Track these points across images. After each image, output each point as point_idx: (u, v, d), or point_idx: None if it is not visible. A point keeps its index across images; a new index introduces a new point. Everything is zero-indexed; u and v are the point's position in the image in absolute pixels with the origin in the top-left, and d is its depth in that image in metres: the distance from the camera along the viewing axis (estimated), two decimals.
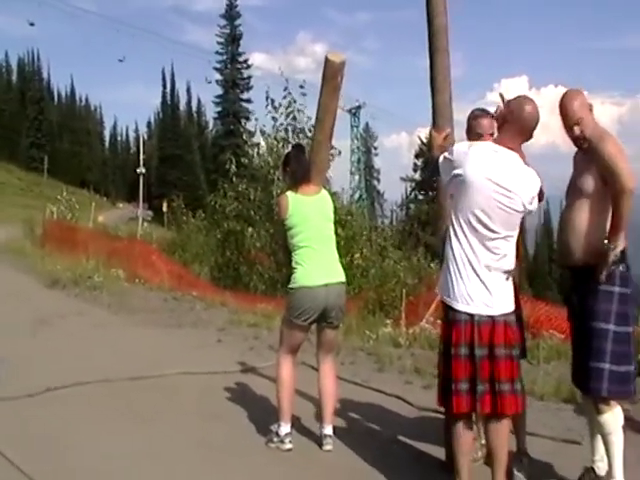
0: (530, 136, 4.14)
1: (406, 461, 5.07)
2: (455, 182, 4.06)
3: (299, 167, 5.32)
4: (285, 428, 5.31)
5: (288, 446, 5.29)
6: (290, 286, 5.25)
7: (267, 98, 21.65)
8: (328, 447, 5.26)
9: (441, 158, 4.28)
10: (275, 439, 5.35)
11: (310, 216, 5.19)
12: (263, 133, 21.92)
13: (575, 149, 4.38)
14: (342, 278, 5.34)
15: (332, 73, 5.76)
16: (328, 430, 5.32)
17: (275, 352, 8.58)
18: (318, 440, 5.40)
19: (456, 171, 4.03)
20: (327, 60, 5.67)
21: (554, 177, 4.64)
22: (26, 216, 32.26)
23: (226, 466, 5.04)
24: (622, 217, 3.97)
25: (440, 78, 4.96)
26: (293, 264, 5.24)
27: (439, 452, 5.03)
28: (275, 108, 21.24)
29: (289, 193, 5.24)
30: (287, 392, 5.34)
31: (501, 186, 3.89)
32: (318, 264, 5.18)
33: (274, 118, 21.37)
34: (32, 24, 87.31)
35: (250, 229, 20.47)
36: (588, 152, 4.14)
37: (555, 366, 7.51)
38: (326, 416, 5.37)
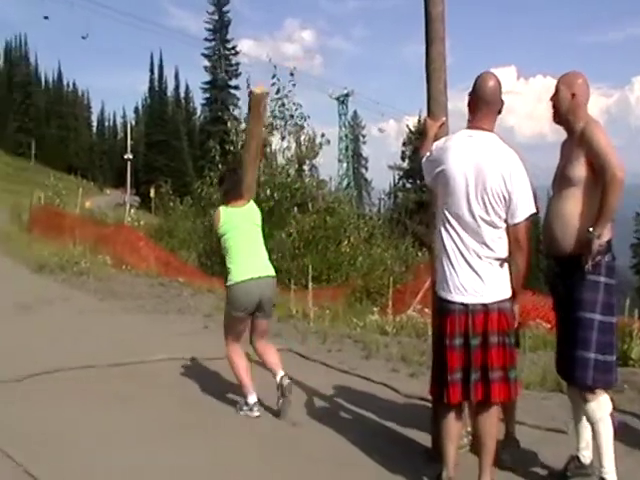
0: (499, 111, 4.18)
1: (392, 448, 5.07)
2: (439, 178, 4.10)
3: (231, 186, 6.10)
4: (252, 398, 5.88)
5: (256, 414, 5.84)
6: (227, 284, 5.92)
7: (248, 86, 21.61)
8: (288, 393, 5.79)
9: (424, 159, 4.34)
10: (245, 407, 5.91)
11: (239, 224, 5.95)
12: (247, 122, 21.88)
13: (562, 138, 4.38)
14: (271, 272, 6.07)
15: (255, 103, 6.79)
16: (281, 373, 5.84)
17: None
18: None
19: (438, 168, 4.09)
20: (251, 92, 6.77)
21: (541, 167, 4.64)
22: (13, 201, 32.08)
23: (205, 448, 5.05)
24: (610, 207, 3.96)
25: (436, 66, 4.92)
26: (227, 265, 5.94)
27: (425, 439, 5.04)
28: None
29: (221, 207, 6.04)
30: (243, 370, 5.97)
31: (480, 170, 3.92)
32: (247, 262, 5.89)
33: None
34: (46, 17, 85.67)
35: None
36: (579, 140, 4.14)
37: (541, 355, 7.55)
38: (277, 368, 5.92)
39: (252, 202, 6.26)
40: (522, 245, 4.02)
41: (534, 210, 4.02)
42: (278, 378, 5.82)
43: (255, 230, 6.09)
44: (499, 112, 4.21)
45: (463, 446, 4.71)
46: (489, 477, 4.08)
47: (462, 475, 4.15)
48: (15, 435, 5.08)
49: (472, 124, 4.14)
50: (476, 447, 4.26)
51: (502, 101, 4.19)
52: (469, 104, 4.21)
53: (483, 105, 4.10)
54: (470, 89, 4.22)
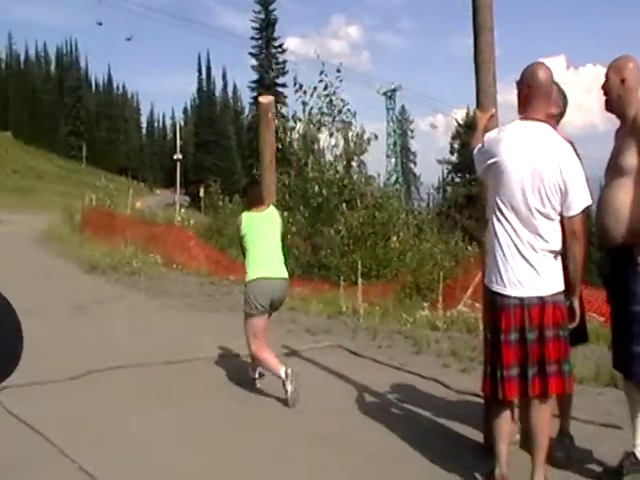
0: (554, 104, 4.13)
1: (443, 444, 5.03)
2: (492, 169, 4.04)
3: (254, 196, 6.65)
4: (285, 368, 6.10)
5: (258, 385, 6.50)
6: (245, 282, 6.39)
7: (295, 83, 21.64)
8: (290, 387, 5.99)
9: (475, 151, 4.30)
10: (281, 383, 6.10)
11: (259, 227, 6.43)
12: (295, 120, 21.91)
13: (615, 127, 4.29)
14: (285, 275, 6.49)
15: (263, 112, 7.35)
16: (283, 372, 6.05)
17: (312, 335, 8.68)
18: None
19: (491, 160, 4.03)
20: (258, 102, 7.40)
21: (594, 158, 4.55)
22: (65, 203, 32.58)
23: (258, 445, 5.08)
24: None
25: (484, 57, 4.85)
26: (247, 264, 6.41)
27: (477, 435, 5.00)
28: (305, 92, 21.19)
29: (244, 213, 6.57)
30: (274, 363, 6.21)
31: (536, 161, 3.86)
32: (264, 262, 6.34)
33: (304, 102, 21.33)
34: (100, 24, 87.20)
35: (285, 214, 20.48)
36: (631, 128, 4.05)
37: (594, 349, 7.41)
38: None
39: (272, 207, 6.76)
40: (579, 237, 3.94)
41: (590, 202, 3.95)
42: (282, 374, 6.06)
43: (273, 233, 6.51)
44: (556, 109, 4.14)
45: (514, 443, 4.65)
46: (542, 473, 4.02)
47: (515, 472, 4.10)
48: (70, 433, 5.16)
49: (525, 115, 4.07)
50: (528, 443, 4.19)
51: (553, 90, 4.14)
52: (519, 95, 4.15)
53: (536, 95, 4.03)
54: (519, 79, 4.16)
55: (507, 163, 3.92)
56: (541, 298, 3.89)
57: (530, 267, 3.90)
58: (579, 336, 4.57)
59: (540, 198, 3.87)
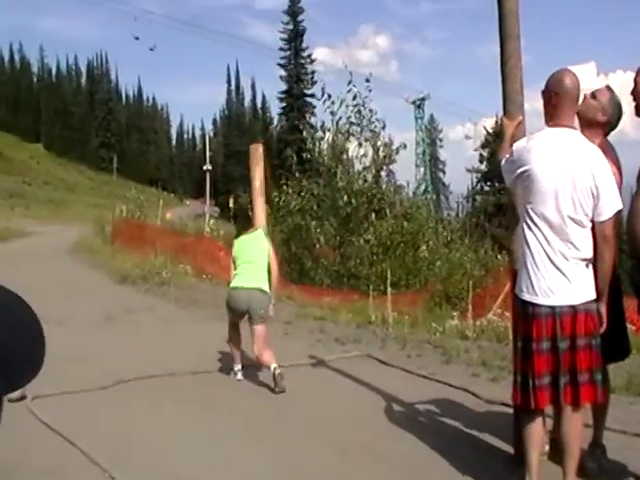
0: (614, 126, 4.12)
1: (472, 454, 5.00)
2: (522, 178, 4.02)
3: (242, 224, 8.49)
4: (237, 366, 7.44)
5: (239, 377, 7.38)
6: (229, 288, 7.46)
7: (323, 94, 21.66)
8: (281, 382, 6.79)
9: (503, 161, 4.29)
10: (232, 374, 7.41)
11: (245, 247, 7.51)
12: (324, 130, 21.95)
13: None
14: (261, 286, 7.30)
15: (252, 154, 8.39)
16: (274, 365, 6.89)
17: (341, 345, 8.68)
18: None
19: (521, 169, 4.01)
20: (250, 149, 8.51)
21: (624, 165, 4.51)
22: (97, 215, 32.92)
23: (288, 454, 5.08)
24: None
25: (511, 64, 4.84)
26: (232, 276, 7.43)
27: (507, 446, 4.96)
28: (333, 103, 21.21)
29: (235, 240, 7.77)
30: (234, 341, 7.54)
31: (568, 167, 3.85)
32: (243, 275, 7.32)
33: (332, 112, 21.35)
34: (137, 38, 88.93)
35: (314, 223, 20.49)
36: None
37: (627, 359, 7.33)
38: (270, 362, 6.94)
39: (261, 230, 7.72)
40: (610, 242, 3.91)
41: (621, 206, 3.93)
42: (272, 369, 6.86)
43: (258, 253, 7.45)
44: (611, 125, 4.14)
45: (544, 453, 4.61)
46: None
47: None
48: (100, 442, 5.19)
49: (554, 122, 4.06)
50: (559, 454, 4.15)
51: (579, 96, 4.12)
52: (546, 103, 4.14)
53: (563, 102, 4.02)
54: (545, 88, 4.15)
55: (538, 171, 3.90)
56: (573, 307, 3.87)
57: (562, 275, 3.88)
58: (622, 350, 4.55)
59: (573, 204, 3.85)
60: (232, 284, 7.37)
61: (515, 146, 4.20)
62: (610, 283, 4.03)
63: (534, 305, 3.94)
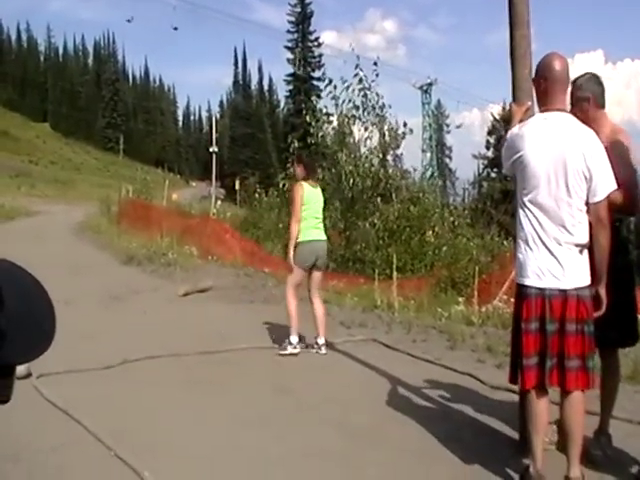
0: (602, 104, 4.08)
1: (477, 440, 5.00)
2: (516, 164, 4.05)
3: (311, 167, 7.96)
4: (294, 338, 7.54)
5: (297, 350, 7.51)
6: (298, 241, 7.55)
7: (323, 79, 21.63)
8: (323, 350, 7.60)
9: (502, 150, 4.30)
10: (289, 346, 7.51)
11: (313, 199, 7.71)
12: (327, 114, 21.88)
13: None
14: (325, 237, 7.90)
15: None
16: (321, 340, 7.63)
17: (346, 328, 8.67)
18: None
19: (515, 155, 4.04)
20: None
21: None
22: (103, 195, 32.94)
23: (293, 437, 5.08)
24: None
25: (520, 52, 4.83)
26: (299, 228, 7.56)
27: (511, 432, 4.96)
28: (335, 87, 21.13)
29: (304, 183, 7.68)
30: (294, 309, 7.68)
31: (559, 150, 3.86)
32: (313, 228, 7.66)
33: (335, 97, 21.26)
34: (129, 20, 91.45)
35: None
36: None
37: (631, 348, 7.30)
38: (321, 331, 7.68)
39: (319, 187, 8.00)
40: (605, 223, 3.90)
41: (615, 186, 3.91)
42: (318, 340, 7.61)
43: (320, 208, 7.83)
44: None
45: (552, 443, 4.60)
46: (578, 469, 3.97)
47: (550, 468, 4.05)
48: (106, 421, 5.19)
49: (545, 107, 4.09)
50: (564, 439, 4.15)
51: (569, 79, 4.13)
52: (537, 87, 4.18)
53: (554, 86, 4.04)
54: (535, 74, 4.19)
55: (530, 157, 3.93)
56: (564, 291, 3.88)
57: (553, 259, 3.89)
58: (631, 336, 4.55)
59: (566, 188, 3.86)
60: (308, 237, 7.57)
61: (509, 133, 4.25)
62: (621, 270, 4.01)
63: (525, 287, 3.99)
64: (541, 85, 4.09)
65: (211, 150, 72.57)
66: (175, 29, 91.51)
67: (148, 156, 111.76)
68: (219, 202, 44.70)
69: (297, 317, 7.62)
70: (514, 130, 4.19)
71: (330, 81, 21.33)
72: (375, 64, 21.79)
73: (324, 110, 22.40)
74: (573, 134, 3.91)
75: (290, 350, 7.46)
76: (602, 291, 4.00)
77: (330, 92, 21.38)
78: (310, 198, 7.63)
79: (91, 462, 4.60)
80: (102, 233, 22.14)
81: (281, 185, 23.56)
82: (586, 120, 4.15)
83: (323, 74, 21.69)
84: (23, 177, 65.62)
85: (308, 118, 22.77)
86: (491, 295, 11.41)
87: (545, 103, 4.08)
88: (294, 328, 7.56)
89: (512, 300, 9.47)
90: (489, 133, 63.34)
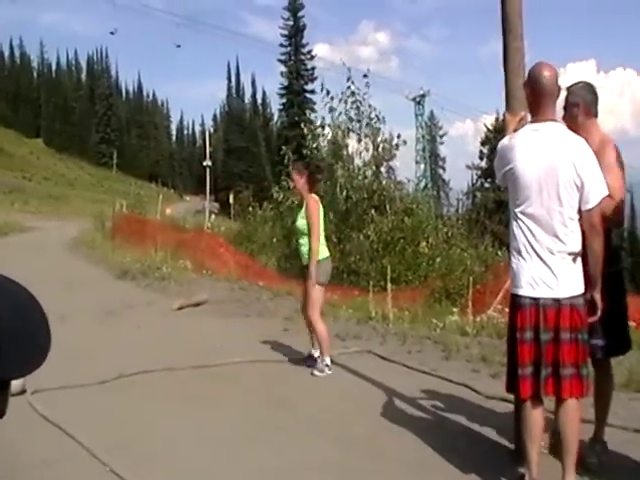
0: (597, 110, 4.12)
1: (473, 450, 5.00)
2: (508, 176, 4.08)
3: (321, 177, 8.03)
4: (329, 359, 7.29)
5: (330, 372, 7.22)
6: (320, 259, 7.24)
7: (322, 89, 21.67)
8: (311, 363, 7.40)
9: (494, 161, 4.32)
10: (325, 368, 7.21)
11: (322, 213, 7.43)
12: (323, 126, 21.93)
13: None
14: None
15: None
16: (317, 353, 7.45)
17: (341, 340, 8.66)
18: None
19: (506, 167, 4.07)
20: None
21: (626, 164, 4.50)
22: (97, 210, 32.90)
23: (288, 449, 5.07)
24: None
25: (514, 63, 4.88)
26: (319, 244, 7.26)
27: (507, 441, 4.97)
28: (332, 99, 21.19)
29: (317, 198, 7.47)
30: (327, 333, 7.39)
31: (550, 160, 3.88)
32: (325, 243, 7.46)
33: (331, 108, 21.33)
34: (112, 33, 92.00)
35: None
36: None
37: (626, 355, 7.32)
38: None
39: None
40: (598, 230, 3.93)
41: (607, 192, 3.94)
42: (313, 352, 7.51)
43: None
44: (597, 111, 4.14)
45: (545, 447, 4.61)
46: (574, 477, 3.99)
47: (545, 476, 4.06)
48: (100, 436, 5.19)
49: (535, 118, 4.12)
50: (559, 447, 4.16)
51: (560, 88, 4.15)
52: (528, 97, 4.20)
53: (544, 96, 4.06)
54: (524, 85, 4.23)
55: (521, 168, 3.96)
56: (557, 300, 3.91)
57: (547, 268, 3.92)
58: (622, 344, 4.56)
59: (557, 198, 3.89)
60: (325, 254, 7.38)
61: (500, 145, 4.27)
62: (613, 278, 4.04)
63: (519, 297, 4.01)
64: (531, 93, 4.12)
65: (205, 164, 72.54)
66: (178, 46, 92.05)
67: (142, 171, 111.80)
68: (213, 216, 44.76)
69: (329, 338, 7.45)
70: (504, 141, 4.21)
71: (328, 92, 21.40)
72: (365, 76, 21.90)
73: (319, 122, 22.47)
74: (563, 144, 3.94)
75: (327, 372, 7.22)
76: (597, 296, 4.03)
77: (327, 104, 21.45)
78: (321, 212, 7.42)
79: (86, 477, 4.60)
80: (96, 248, 22.11)
81: (276, 197, 23.55)
82: (576, 127, 4.19)
83: (322, 85, 21.59)
84: (17, 193, 65.55)
85: (305, 130, 22.82)
86: (485, 305, 11.42)
87: (536, 113, 4.11)
88: (327, 349, 7.33)
89: (506, 310, 9.51)
90: (482, 143, 63.69)
